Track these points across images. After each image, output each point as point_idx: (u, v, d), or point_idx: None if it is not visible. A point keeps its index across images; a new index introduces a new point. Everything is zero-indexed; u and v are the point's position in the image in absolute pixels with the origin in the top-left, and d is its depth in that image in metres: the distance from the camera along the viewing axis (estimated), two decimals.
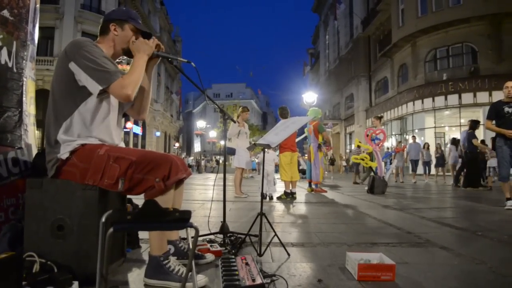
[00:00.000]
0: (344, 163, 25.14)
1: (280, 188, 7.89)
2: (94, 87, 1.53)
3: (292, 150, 5.87)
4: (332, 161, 23.78)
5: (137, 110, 1.88)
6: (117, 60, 1.83)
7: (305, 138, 7.70)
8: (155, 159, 1.55)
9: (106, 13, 1.82)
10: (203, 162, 32.01)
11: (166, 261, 1.56)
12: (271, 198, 5.51)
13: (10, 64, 1.85)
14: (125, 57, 1.83)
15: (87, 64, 1.53)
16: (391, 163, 10.15)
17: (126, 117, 2.01)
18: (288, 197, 5.53)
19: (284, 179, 5.75)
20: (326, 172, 12.12)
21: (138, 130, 28.64)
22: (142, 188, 1.54)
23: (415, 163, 12.29)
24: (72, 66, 1.54)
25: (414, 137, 13.43)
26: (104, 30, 1.76)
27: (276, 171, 7.58)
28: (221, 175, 2.52)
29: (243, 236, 2.32)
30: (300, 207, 4.68)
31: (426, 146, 12.74)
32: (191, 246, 1.09)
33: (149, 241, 1.62)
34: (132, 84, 1.56)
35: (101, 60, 1.56)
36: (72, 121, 1.57)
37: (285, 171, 5.77)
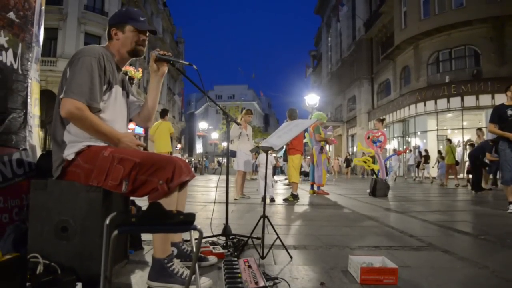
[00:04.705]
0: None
1: (281, 191, 7.88)
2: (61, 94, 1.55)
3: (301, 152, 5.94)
4: (348, 162, 22.14)
5: (143, 118, 1.95)
6: None
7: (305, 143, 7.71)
8: (158, 161, 1.55)
9: (109, 18, 1.81)
10: (206, 163, 31.81)
11: (170, 263, 1.56)
12: (272, 200, 5.51)
13: (15, 66, 1.86)
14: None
15: (72, 71, 1.56)
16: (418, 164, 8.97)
17: None
18: (296, 199, 5.54)
19: (295, 180, 5.75)
20: (329, 174, 11.96)
21: (140, 130, 28.70)
22: (146, 190, 1.54)
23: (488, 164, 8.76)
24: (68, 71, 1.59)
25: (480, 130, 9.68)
26: (108, 36, 1.79)
27: (275, 173, 7.62)
28: (224, 176, 2.53)
29: (245, 239, 2.32)
30: (302, 210, 4.68)
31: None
32: (194, 249, 1.09)
33: (153, 244, 1.62)
34: (79, 116, 1.52)
35: (83, 76, 1.54)
36: None
37: (296, 173, 5.78)
